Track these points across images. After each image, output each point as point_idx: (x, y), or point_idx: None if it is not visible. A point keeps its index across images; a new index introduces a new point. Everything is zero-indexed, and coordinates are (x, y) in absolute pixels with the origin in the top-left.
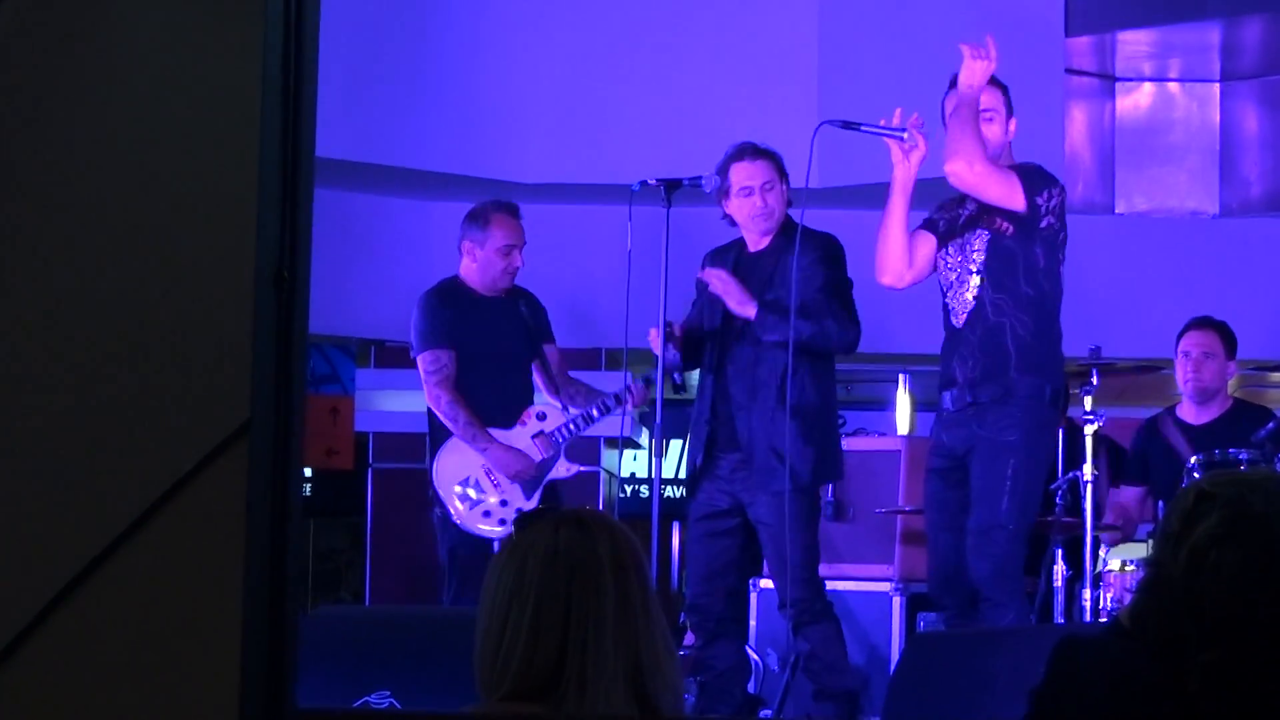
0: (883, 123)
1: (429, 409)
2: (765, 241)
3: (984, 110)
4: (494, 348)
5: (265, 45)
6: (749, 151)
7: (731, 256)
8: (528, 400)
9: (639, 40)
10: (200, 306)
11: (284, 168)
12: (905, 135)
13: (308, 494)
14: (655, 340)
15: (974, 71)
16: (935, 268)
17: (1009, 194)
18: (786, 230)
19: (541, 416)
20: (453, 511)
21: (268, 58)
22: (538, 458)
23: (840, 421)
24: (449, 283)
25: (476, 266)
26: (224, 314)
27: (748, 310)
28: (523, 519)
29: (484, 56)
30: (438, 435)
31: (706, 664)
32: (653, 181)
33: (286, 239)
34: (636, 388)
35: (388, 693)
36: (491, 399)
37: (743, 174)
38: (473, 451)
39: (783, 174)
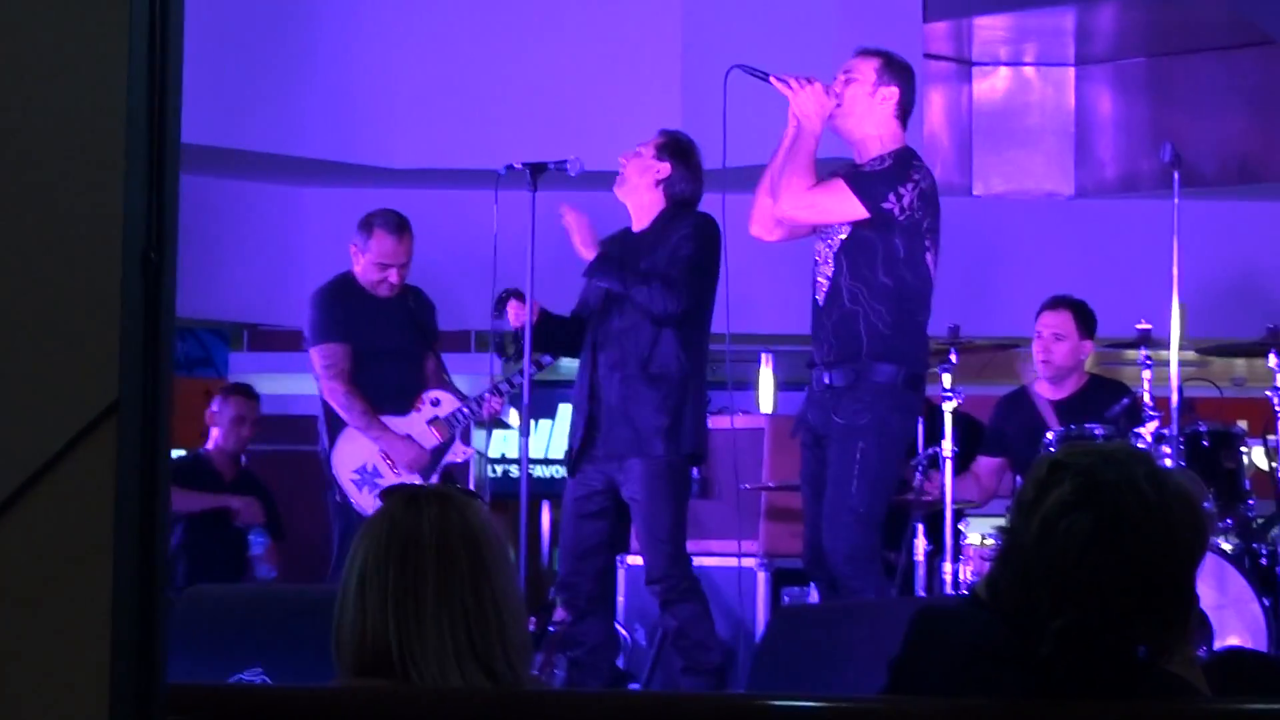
0: (783, 78)
1: (323, 399)
2: (646, 222)
3: (847, 74)
4: (386, 341)
5: (131, 27)
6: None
7: (619, 237)
8: (420, 389)
9: (505, 26)
10: (66, 288)
11: (150, 149)
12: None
13: None
14: (514, 311)
15: (802, 102)
16: (813, 231)
17: (844, 208)
18: (668, 211)
19: (435, 402)
20: (352, 497)
21: (134, 39)
22: (431, 444)
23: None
24: (342, 279)
25: (359, 270)
26: (90, 295)
27: (588, 253)
28: (382, 495)
29: (354, 42)
30: (334, 423)
31: (577, 640)
32: (518, 165)
33: (153, 220)
34: (492, 403)
35: (260, 669)
36: (386, 389)
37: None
38: (369, 439)
39: (665, 152)
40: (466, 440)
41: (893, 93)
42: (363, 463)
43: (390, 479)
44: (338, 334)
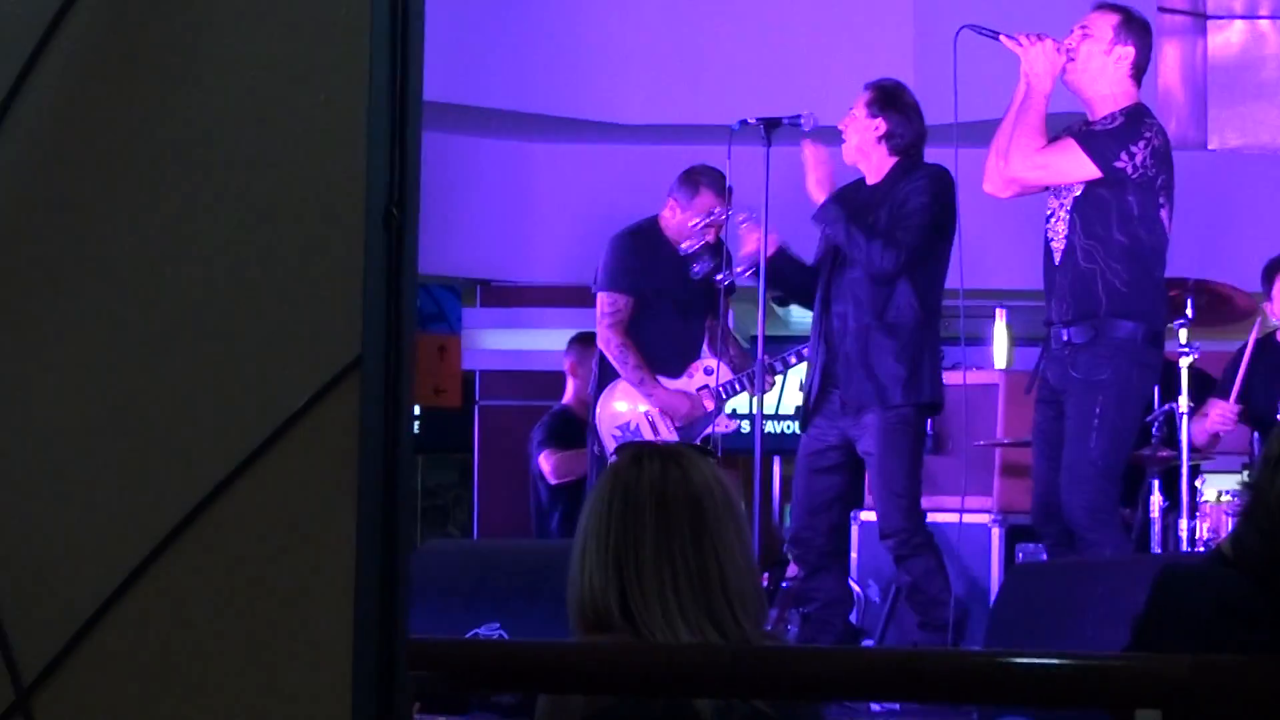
0: (1014, 35)
1: (599, 350)
2: (879, 178)
3: (1084, 30)
4: (675, 296)
5: None
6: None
7: (853, 187)
8: (698, 353)
9: None
10: (311, 247)
11: (392, 109)
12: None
13: (417, 431)
14: (749, 236)
15: (1032, 60)
16: (1046, 187)
17: (1076, 168)
18: (900, 165)
19: (709, 371)
20: (610, 452)
21: (376, 1)
22: (704, 408)
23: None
24: (646, 224)
25: (676, 223)
26: (335, 254)
27: (820, 194)
28: (615, 451)
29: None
30: (606, 375)
31: (809, 596)
32: (752, 120)
33: (395, 179)
34: (768, 381)
35: (497, 624)
36: (665, 346)
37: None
38: (638, 397)
39: (873, 105)
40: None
41: (1129, 52)
42: (626, 420)
43: (649, 438)
44: (626, 284)
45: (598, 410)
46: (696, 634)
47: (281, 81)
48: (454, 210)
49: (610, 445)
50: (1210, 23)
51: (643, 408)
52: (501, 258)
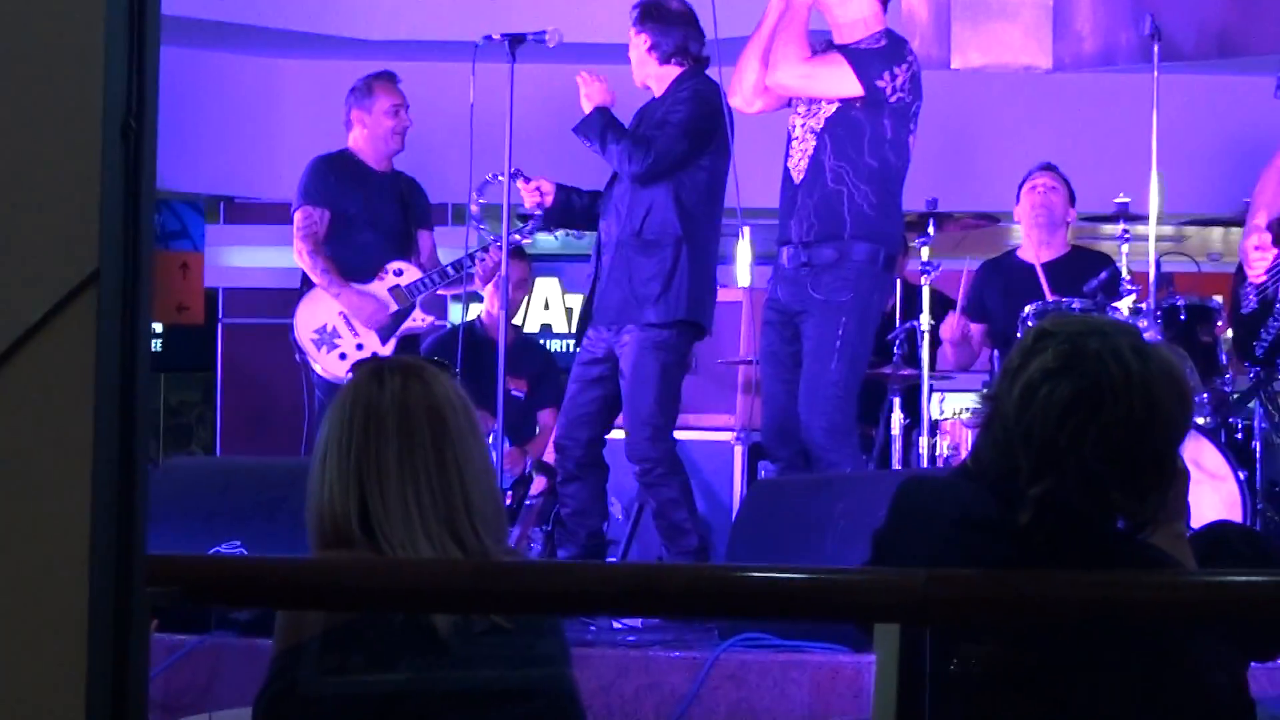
0: None
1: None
2: (662, 90)
3: None
4: (367, 214)
5: None
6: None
7: (642, 108)
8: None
9: None
10: (45, 156)
11: (130, 20)
12: None
13: (159, 349)
14: (526, 190)
15: None
16: (789, 104)
17: (840, 83)
18: (680, 77)
19: (399, 273)
20: (310, 356)
21: None
22: (392, 307)
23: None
24: (340, 152)
25: (367, 133)
26: (70, 164)
27: (587, 105)
28: (353, 368)
29: None
30: (305, 287)
31: (563, 501)
32: (496, 37)
33: (134, 90)
34: (493, 256)
35: (238, 542)
36: (357, 257)
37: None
38: (330, 300)
39: (638, 23)
40: (437, 311)
41: None
42: (323, 323)
43: (348, 339)
44: (320, 199)
45: (295, 320)
46: (438, 549)
47: None
48: (198, 126)
49: (311, 350)
50: None
51: (336, 308)
52: (247, 174)
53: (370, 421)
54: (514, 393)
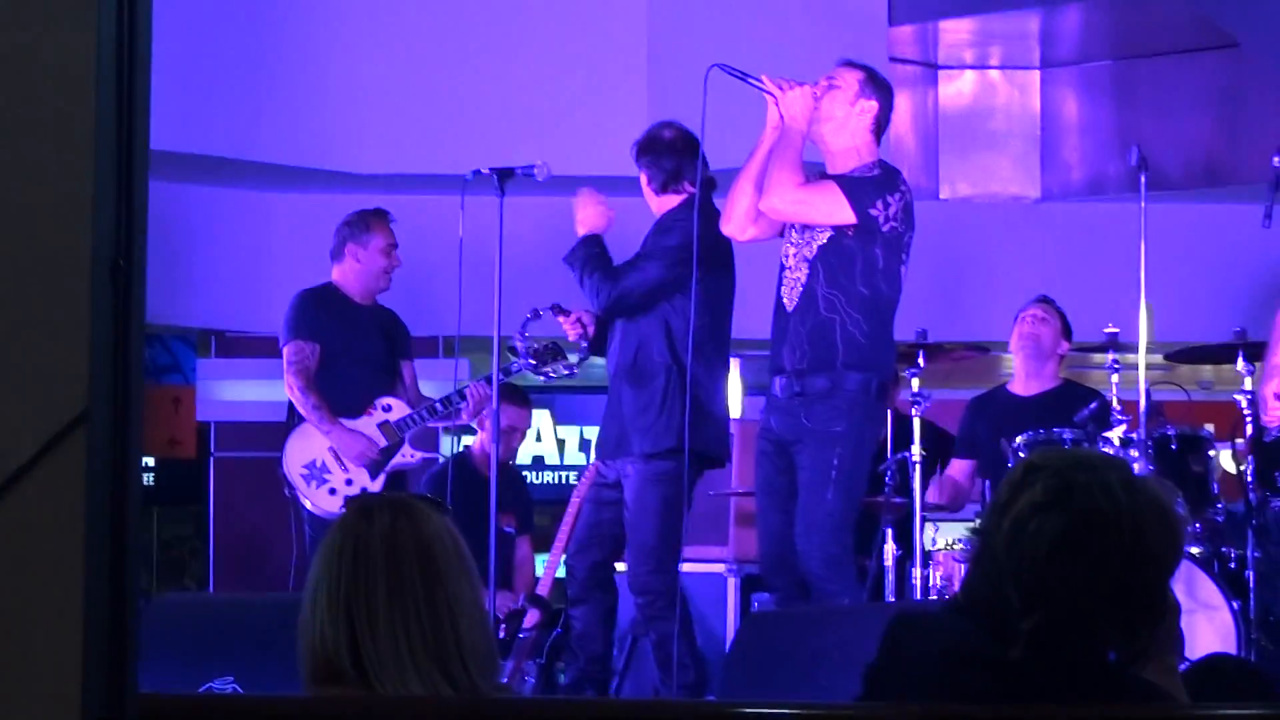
0: (764, 79)
1: (290, 399)
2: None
3: (830, 81)
4: (354, 348)
5: (99, 32)
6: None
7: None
8: (380, 395)
9: (470, 30)
10: (34, 296)
11: (119, 157)
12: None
13: (151, 483)
14: (568, 324)
15: (789, 104)
16: (781, 234)
17: (833, 210)
18: (683, 206)
19: (387, 408)
20: (300, 491)
21: (102, 44)
22: (381, 444)
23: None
24: (323, 286)
25: (360, 268)
26: (59, 304)
27: (580, 230)
28: (344, 504)
29: (322, 47)
30: (294, 422)
31: (569, 622)
32: (485, 171)
33: (122, 228)
34: (476, 390)
35: (231, 678)
36: (346, 392)
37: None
38: (320, 435)
39: (637, 159)
40: (430, 446)
41: (872, 106)
42: (312, 458)
43: (338, 474)
44: (308, 333)
45: (285, 454)
46: (428, 686)
47: (6, 131)
48: (188, 260)
49: (300, 485)
50: (941, 73)
51: (326, 443)
52: (237, 307)
53: (359, 559)
54: (505, 529)
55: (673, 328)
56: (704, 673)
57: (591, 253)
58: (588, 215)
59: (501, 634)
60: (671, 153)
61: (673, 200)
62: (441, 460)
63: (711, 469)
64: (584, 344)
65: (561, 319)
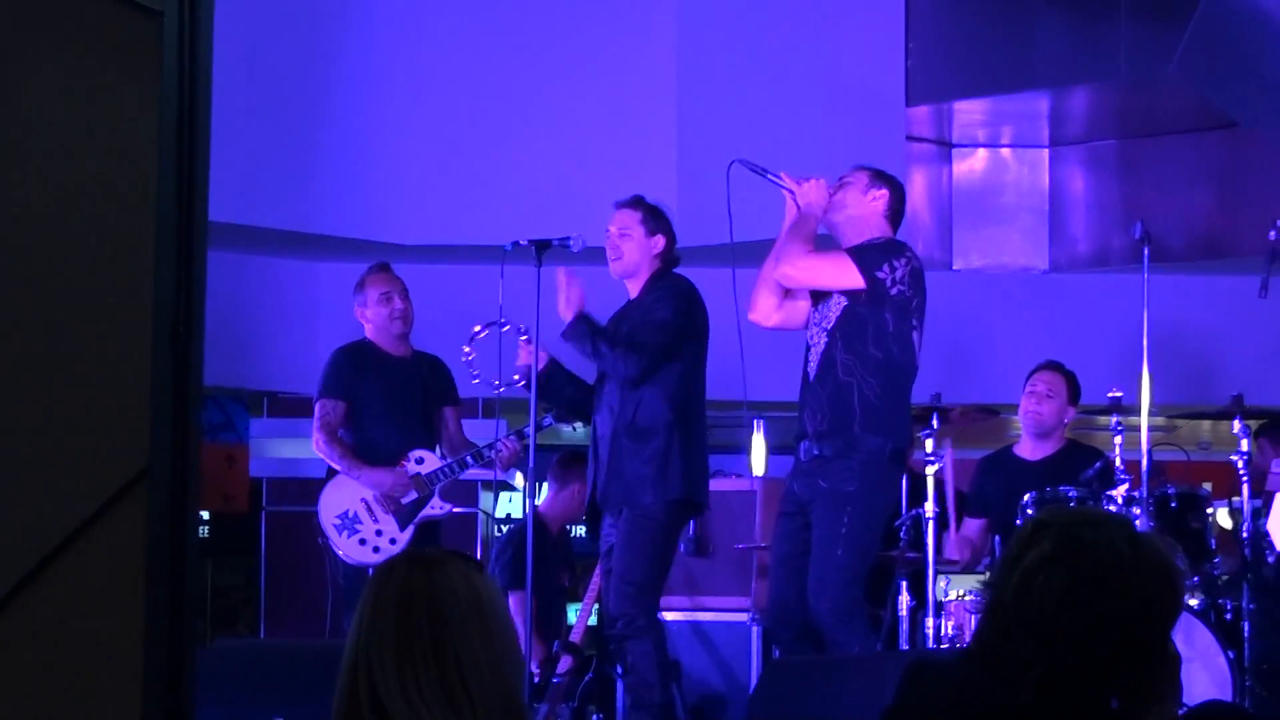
0: (784, 175)
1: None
2: (637, 289)
3: (842, 179)
4: (387, 401)
5: (161, 111)
6: (618, 204)
7: (621, 310)
8: (414, 447)
9: (511, 110)
10: (99, 360)
11: (179, 229)
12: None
13: (205, 535)
14: (524, 348)
15: (806, 193)
16: (805, 325)
17: (842, 276)
18: (656, 278)
19: (419, 460)
20: (333, 541)
21: (163, 122)
22: (412, 494)
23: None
24: (359, 342)
25: (371, 325)
26: (122, 367)
27: (568, 314)
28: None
29: (368, 122)
30: (331, 475)
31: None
32: (523, 242)
33: (182, 296)
34: (508, 444)
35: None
36: (378, 445)
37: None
38: (353, 485)
39: (649, 224)
40: (469, 500)
41: (883, 193)
42: (345, 509)
43: (368, 525)
44: (337, 391)
45: (321, 502)
46: None
47: (73, 200)
48: (243, 325)
49: (333, 535)
50: (955, 151)
51: (359, 495)
52: (288, 370)
53: (376, 612)
54: (565, 582)
55: (669, 388)
56: (673, 703)
57: (595, 327)
58: (572, 295)
59: (535, 678)
60: (663, 215)
61: (651, 273)
62: (481, 513)
63: (696, 516)
64: (528, 377)
65: (524, 342)
